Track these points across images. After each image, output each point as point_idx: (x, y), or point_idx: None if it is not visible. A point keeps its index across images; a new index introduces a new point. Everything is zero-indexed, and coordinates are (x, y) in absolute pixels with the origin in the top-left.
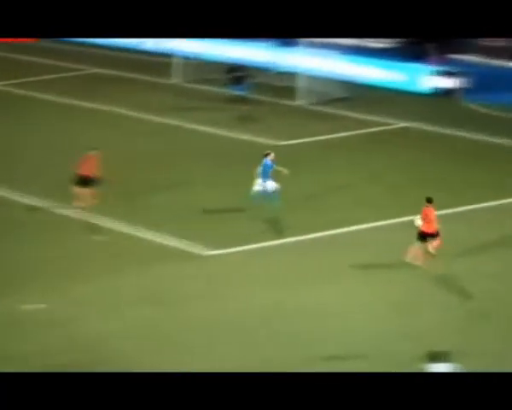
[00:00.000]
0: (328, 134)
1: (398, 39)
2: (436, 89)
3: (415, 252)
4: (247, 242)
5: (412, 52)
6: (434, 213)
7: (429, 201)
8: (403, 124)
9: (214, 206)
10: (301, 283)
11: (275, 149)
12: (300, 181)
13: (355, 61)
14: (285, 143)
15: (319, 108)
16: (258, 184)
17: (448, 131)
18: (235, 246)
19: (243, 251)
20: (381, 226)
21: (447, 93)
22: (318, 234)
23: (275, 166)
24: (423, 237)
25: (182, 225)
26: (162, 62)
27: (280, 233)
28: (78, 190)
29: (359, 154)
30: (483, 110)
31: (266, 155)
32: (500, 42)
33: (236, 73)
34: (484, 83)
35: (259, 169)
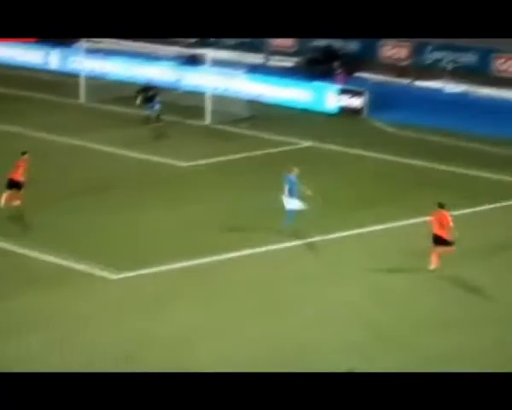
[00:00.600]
0: (234, 154)
1: (302, 58)
2: (341, 108)
3: (434, 257)
4: (151, 265)
5: (317, 71)
6: (449, 217)
7: (441, 206)
8: (308, 143)
9: (118, 228)
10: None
11: (181, 170)
12: (203, 202)
13: (260, 80)
14: (190, 163)
15: (225, 127)
16: (290, 203)
17: (354, 150)
18: (140, 269)
19: (143, 275)
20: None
21: (352, 112)
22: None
23: (296, 183)
24: (438, 240)
25: (85, 246)
26: (68, 82)
27: (174, 257)
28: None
29: (264, 173)
30: (389, 129)
31: (289, 171)
32: (404, 61)
33: (147, 92)
34: (389, 101)
35: (287, 186)
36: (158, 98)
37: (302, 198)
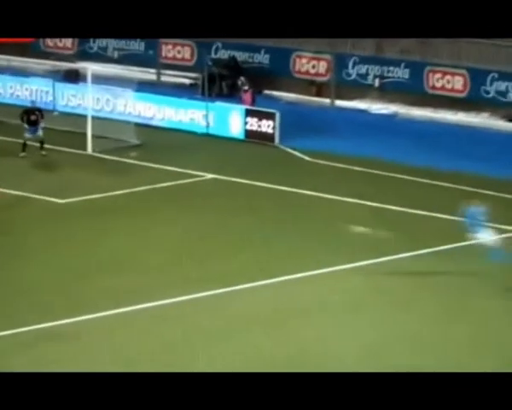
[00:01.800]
0: (119, 189)
1: (201, 73)
2: (248, 132)
3: None
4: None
5: (219, 88)
6: None
7: None
8: (210, 175)
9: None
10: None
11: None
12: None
13: (151, 100)
14: (69, 200)
15: (110, 157)
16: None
17: (264, 183)
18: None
19: None
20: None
21: (261, 137)
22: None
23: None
24: None
25: None
26: None
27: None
28: None
29: (157, 213)
30: (305, 157)
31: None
32: (323, 76)
33: (29, 115)
34: (305, 124)
35: (469, 222)
36: (42, 123)
37: None
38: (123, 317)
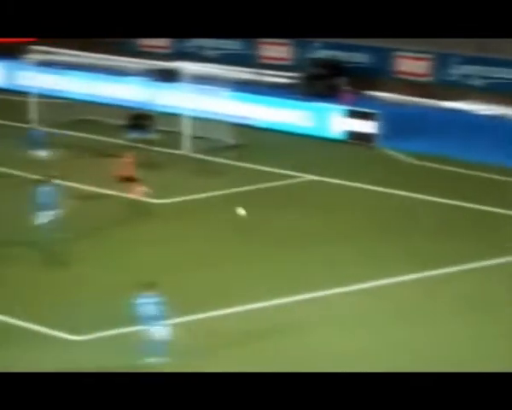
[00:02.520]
0: (218, 190)
1: (301, 72)
2: (348, 133)
3: None
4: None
5: (318, 89)
6: None
7: None
8: (309, 177)
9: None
10: None
11: (159, 207)
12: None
13: (249, 100)
14: (170, 200)
15: (207, 157)
16: None
17: (357, 184)
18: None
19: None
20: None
21: (362, 138)
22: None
23: None
24: None
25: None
26: (16, 102)
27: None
28: None
29: (256, 214)
30: (404, 159)
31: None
32: (425, 77)
33: (141, 119)
34: (406, 126)
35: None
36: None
37: None
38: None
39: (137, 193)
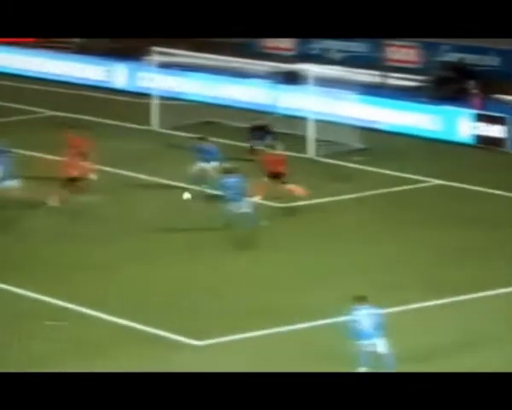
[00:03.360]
0: (343, 194)
1: (429, 76)
2: (477, 137)
3: None
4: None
5: (448, 92)
6: None
7: None
8: (437, 181)
9: None
10: None
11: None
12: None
13: (376, 103)
14: (295, 204)
15: (332, 161)
16: None
17: (495, 191)
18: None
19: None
20: None
21: (491, 143)
22: None
23: None
24: None
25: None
26: (137, 104)
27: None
28: None
29: (385, 220)
30: None
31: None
32: None
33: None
34: None
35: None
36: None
37: None
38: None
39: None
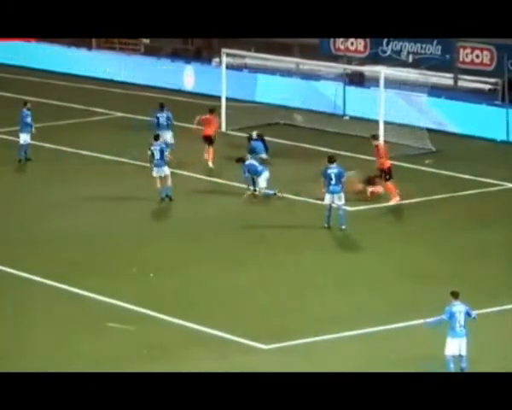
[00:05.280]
0: (416, 197)
1: (502, 78)
2: None
3: None
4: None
5: None
6: None
7: None
8: (509, 185)
9: None
10: None
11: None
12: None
13: (445, 106)
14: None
15: (402, 164)
16: None
17: None
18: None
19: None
20: None
21: None
22: None
23: None
24: None
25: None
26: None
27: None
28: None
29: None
30: None
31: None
32: None
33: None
34: None
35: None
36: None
37: None
38: None
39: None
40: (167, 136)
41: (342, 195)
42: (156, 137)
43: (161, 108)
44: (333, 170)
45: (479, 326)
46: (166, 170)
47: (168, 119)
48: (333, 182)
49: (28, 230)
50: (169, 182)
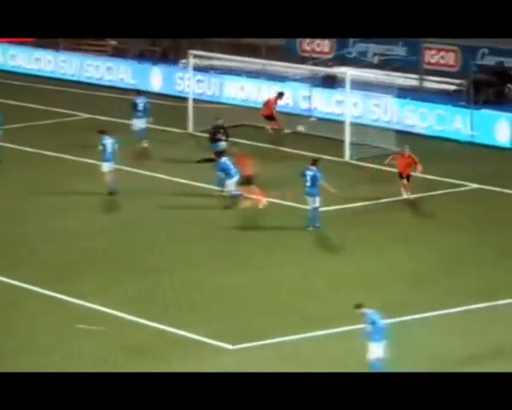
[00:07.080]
0: (380, 198)
1: (467, 79)
2: None
3: None
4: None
5: (485, 96)
6: None
7: None
8: (475, 185)
9: None
10: None
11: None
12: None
13: (411, 107)
14: (331, 208)
15: (369, 165)
16: None
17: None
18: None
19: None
20: None
21: None
22: None
23: None
24: None
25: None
26: (173, 107)
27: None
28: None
29: (416, 225)
30: None
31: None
32: None
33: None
34: None
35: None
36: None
37: None
38: None
39: None
40: (141, 122)
41: (317, 198)
42: (102, 132)
43: (139, 93)
44: (309, 172)
45: None
46: (115, 165)
47: (145, 105)
48: (308, 184)
49: None
50: (114, 177)
